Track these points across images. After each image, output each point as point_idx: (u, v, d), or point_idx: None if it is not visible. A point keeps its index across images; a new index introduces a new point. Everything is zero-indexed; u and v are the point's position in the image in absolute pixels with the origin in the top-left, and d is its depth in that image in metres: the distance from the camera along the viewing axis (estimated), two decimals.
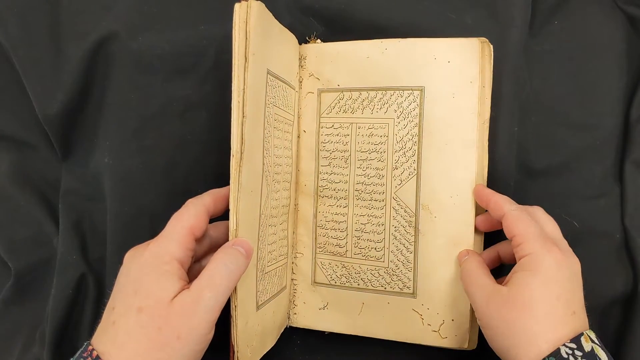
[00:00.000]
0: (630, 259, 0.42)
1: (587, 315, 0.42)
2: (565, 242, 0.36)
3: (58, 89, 0.47)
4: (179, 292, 0.31)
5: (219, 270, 0.31)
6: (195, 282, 0.31)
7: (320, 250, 0.43)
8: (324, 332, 0.44)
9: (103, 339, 0.31)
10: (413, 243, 0.41)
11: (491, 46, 0.40)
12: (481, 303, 0.34)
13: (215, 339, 0.32)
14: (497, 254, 0.40)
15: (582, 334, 0.31)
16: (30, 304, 0.49)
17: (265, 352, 0.39)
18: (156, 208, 0.46)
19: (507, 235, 0.36)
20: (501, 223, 0.37)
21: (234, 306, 0.33)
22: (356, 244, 0.42)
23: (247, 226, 0.35)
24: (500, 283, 0.35)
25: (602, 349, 0.31)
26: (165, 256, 0.32)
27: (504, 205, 0.36)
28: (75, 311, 0.47)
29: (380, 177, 0.42)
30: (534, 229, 0.34)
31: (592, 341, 0.31)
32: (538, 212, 0.37)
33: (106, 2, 0.48)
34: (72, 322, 0.47)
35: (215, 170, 0.46)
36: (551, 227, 0.36)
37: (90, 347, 0.30)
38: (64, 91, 0.47)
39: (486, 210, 0.39)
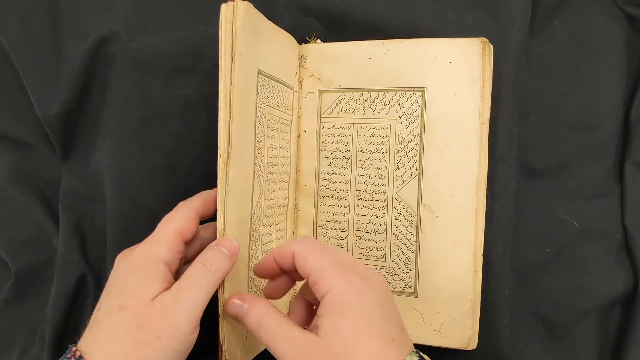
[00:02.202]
0: (630, 259, 0.42)
1: (587, 315, 0.43)
2: (359, 265, 0.32)
3: (58, 89, 0.46)
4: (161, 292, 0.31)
5: (199, 270, 0.32)
6: (177, 283, 0.31)
7: None
8: None
9: (87, 339, 0.31)
10: (415, 243, 0.41)
11: (491, 46, 0.40)
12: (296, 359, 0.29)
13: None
14: (307, 301, 0.35)
15: None
16: (30, 304, 0.49)
17: (259, 352, 0.39)
18: (156, 208, 0.45)
19: (303, 276, 0.32)
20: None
21: (221, 305, 0.33)
22: (357, 244, 0.42)
23: (236, 226, 0.35)
24: (304, 326, 0.32)
25: None
26: (152, 258, 0.32)
27: (289, 246, 0.32)
28: (75, 311, 0.47)
29: (382, 177, 0.42)
30: (328, 260, 0.30)
31: None
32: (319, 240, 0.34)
33: (106, 2, 0.48)
34: (72, 322, 0.47)
35: (215, 170, 0.46)
36: (340, 251, 0.33)
37: (74, 349, 0.30)
38: (64, 91, 0.46)
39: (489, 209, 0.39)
